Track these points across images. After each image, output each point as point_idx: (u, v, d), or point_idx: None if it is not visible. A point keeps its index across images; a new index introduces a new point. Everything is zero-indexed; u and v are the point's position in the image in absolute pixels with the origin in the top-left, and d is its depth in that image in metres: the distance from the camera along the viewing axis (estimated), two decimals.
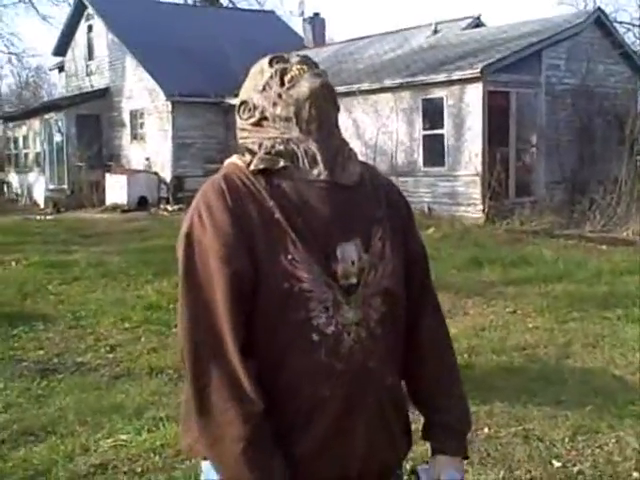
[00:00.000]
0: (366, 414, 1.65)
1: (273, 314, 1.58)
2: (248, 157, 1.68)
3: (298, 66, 1.68)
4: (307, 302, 1.58)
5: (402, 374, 1.79)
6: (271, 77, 1.69)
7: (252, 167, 1.64)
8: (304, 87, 1.64)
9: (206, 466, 1.69)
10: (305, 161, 1.64)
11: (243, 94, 1.75)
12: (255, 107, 1.70)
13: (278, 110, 1.67)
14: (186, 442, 1.74)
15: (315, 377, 1.59)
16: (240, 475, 1.53)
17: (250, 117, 1.71)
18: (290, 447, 1.60)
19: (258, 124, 1.70)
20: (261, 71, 1.72)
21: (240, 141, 1.75)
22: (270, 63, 1.72)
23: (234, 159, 1.73)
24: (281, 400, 1.60)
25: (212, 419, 1.55)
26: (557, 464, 3.99)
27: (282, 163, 1.63)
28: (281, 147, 1.65)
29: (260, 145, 1.67)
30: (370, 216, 1.67)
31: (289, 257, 1.56)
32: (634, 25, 40.94)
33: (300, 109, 1.64)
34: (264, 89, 1.69)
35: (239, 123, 1.75)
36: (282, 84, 1.67)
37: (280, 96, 1.66)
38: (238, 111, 1.75)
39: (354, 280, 1.62)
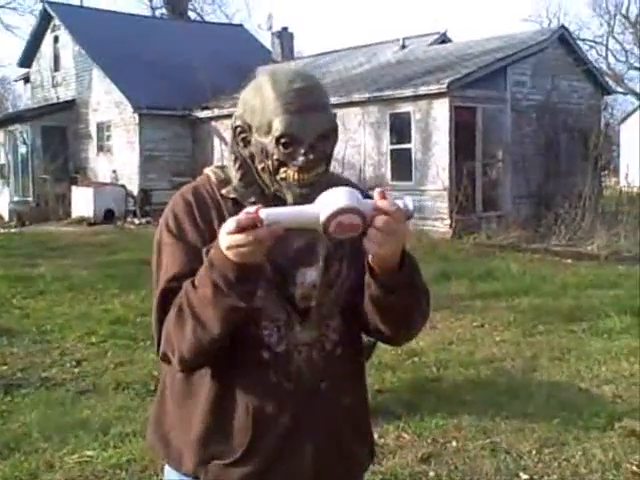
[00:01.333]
0: (315, 435, 1.65)
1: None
2: (222, 175, 1.70)
3: (297, 172, 1.58)
4: (259, 320, 1.60)
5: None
6: (271, 138, 1.58)
7: (224, 192, 1.67)
8: (287, 193, 1.59)
9: (167, 468, 1.75)
10: (273, 199, 1.62)
11: (242, 107, 1.65)
12: (245, 130, 1.64)
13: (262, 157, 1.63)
14: (150, 442, 1.80)
15: (263, 395, 1.62)
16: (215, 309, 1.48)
17: (241, 132, 1.65)
18: (238, 464, 1.62)
19: (245, 142, 1.65)
20: (263, 96, 1.60)
21: (228, 145, 1.74)
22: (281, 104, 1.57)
23: (209, 171, 1.74)
24: (230, 415, 1.62)
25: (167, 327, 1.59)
26: (524, 476, 4.02)
27: (251, 199, 1.63)
28: (255, 179, 1.65)
29: (239, 166, 1.66)
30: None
31: None
32: (597, 43, 41.72)
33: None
34: (260, 130, 1.60)
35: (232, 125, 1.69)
36: (276, 167, 1.59)
37: (268, 156, 1.60)
38: (234, 118, 1.67)
39: (313, 303, 1.64)
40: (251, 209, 1.38)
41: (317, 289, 1.64)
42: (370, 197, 1.50)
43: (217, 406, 1.63)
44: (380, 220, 1.39)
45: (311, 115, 1.56)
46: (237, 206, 1.62)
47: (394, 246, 1.44)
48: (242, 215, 1.37)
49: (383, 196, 1.41)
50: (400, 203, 1.42)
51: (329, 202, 1.39)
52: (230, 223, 1.37)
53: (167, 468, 1.76)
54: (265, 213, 1.38)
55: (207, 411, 1.64)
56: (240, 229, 1.36)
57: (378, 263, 1.49)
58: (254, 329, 1.60)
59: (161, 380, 1.83)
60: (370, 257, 1.48)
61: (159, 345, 1.63)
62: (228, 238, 1.38)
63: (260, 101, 1.59)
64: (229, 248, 1.39)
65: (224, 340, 1.53)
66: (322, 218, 1.39)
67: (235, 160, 1.68)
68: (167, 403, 1.75)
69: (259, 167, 1.62)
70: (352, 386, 1.73)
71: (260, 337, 1.61)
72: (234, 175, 1.68)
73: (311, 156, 1.56)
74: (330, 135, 1.61)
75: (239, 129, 1.64)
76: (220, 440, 1.63)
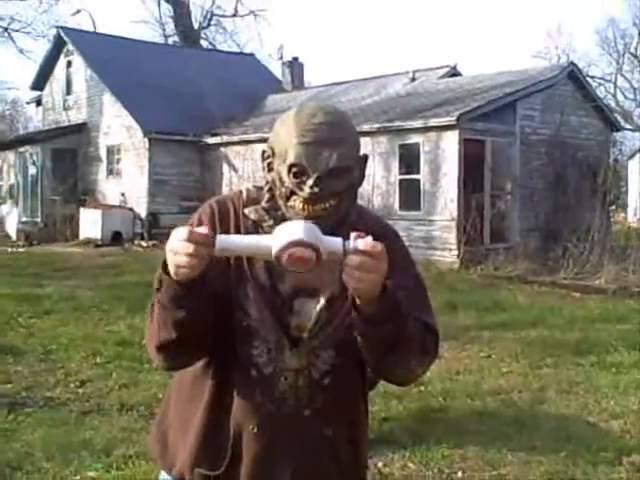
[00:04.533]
0: (292, 461, 1.67)
1: (227, 341, 1.66)
2: (255, 195, 1.75)
3: (302, 203, 1.62)
4: (252, 339, 1.66)
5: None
6: (285, 166, 1.63)
7: (246, 211, 1.72)
8: (282, 233, 1.58)
9: (162, 476, 1.81)
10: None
11: (272, 135, 1.70)
12: (270, 156, 1.70)
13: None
14: (150, 442, 1.89)
15: (245, 413, 1.65)
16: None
17: (267, 158, 1.71)
18: (223, 477, 1.67)
19: (269, 167, 1.71)
20: (287, 126, 1.65)
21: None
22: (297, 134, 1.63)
23: (244, 188, 1.81)
24: (220, 428, 1.67)
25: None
26: None
27: (270, 222, 1.68)
28: (275, 204, 1.69)
29: (268, 189, 1.70)
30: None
31: (245, 291, 1.65)
32: (606, 80, 41.99)
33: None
34: (280, 157, 1.65)
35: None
36: (287, 195, 1.64)
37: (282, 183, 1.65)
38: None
39: (305, 334, 1.66)
40: (205, 231, 1.44)
41: (312, 322, 1.66)
42: None
43: (212, 416, 1.69)
44: (355, 259, 1.42)
45: (324, 149, 1.59)
46: (255, 227, 1.69)
47: (372, 283, 1.46)
48: (199, 229, 1.44)
49: (359, 237, 1.44)
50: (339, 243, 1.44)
51: (283, 234, 1.42)
52: (184, 231, 1.42)
53: (161, 474, 1.81)
54: (219, 238, 1.44)
55: (204, 419, 1.69)
56: (189, 239, 1.41)
57: (357, 295, 1.51)
58: (247, 347, 1.66)
59: (169, 387, 1.90)
60: (350, 289, 1.50)
61: None
62: (175, 242, 1.44)
63: (283, 130, 1.65)
64: (171, 250, 1.45)
65: (186, 342, 1.59)
66: (274, 249, 1.42)
67: (267, 183, 1.71)
68: (170, 407, 1.82)
69: (277, 193, 1.66)
70: (338, 417, 1.72)
71: (250, 356, 1.66)
72: (264, 197, 1.72)
73: (316, 189, 1.59)
74: (343, 172, 1.62)
75: (265, 154, 1.71)
76: (211, 450, 1.68)
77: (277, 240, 1.42)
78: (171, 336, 1.57)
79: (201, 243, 1.42)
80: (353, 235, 1.45)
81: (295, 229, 1.43)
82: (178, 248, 1.43)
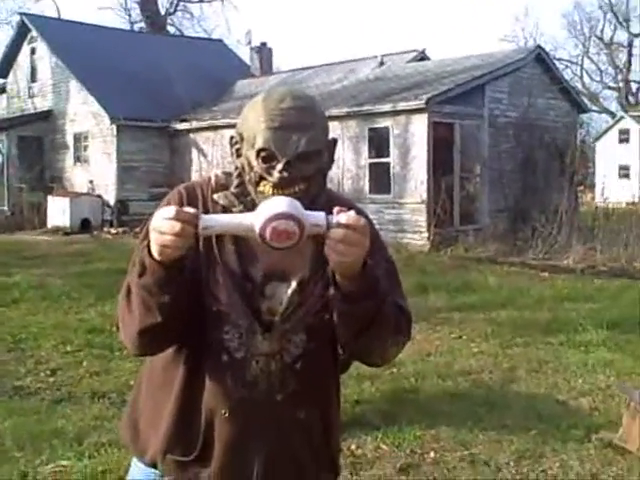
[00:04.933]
0: (265, 445, 1.68)
1: (196, 327, 1.65)
2: (223, 181, 1.74)
3: (272, 188, 1.61)
4: (222, 324, 1.65)
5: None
6: (253, 151, 1.62)
7: (215, 197, 1.71)
8: (265, 208, 1.55)
9: (133, 461, 1.82)
10: None
11: (240, 119, 1.69)
12: (238, 142, 1.69)
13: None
14: (121, 429, 1.88)
15: (217, 398, 1.66)
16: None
17: (235, 144, 1.71)
18: (191, 464, 1.68)
19: (238, 153, 1.70)
20: (255, 111, 1.64)
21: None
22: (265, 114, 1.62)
23: (213, 174, 1.79)
24: (192, 413, 1.67)
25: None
26: None
27: (239, 208, 1.67)
28: (244, 190, 1.68)
29: (237, 175, 1.70)
30: (316, 256, 1.64)
31: (215, 276, 1.65)
32: (572, 62, 42.33)
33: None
34: (248, 143, 1.64)
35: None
36: (257, 180, 1.63)
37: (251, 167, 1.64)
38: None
39: (277, 318, 1.67)
40: (191, 210, 1.44)
41: (284, 306, 1.66)
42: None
43: (184, 402, 1.69)
44: (338, 232, 1.43)
45: (292, 134, 1.59)
46: (224, 213, 1.67)
47: (354, 256, 1.47)
48: (184, 209, 1.44)
49: (341, 211, 1.46)
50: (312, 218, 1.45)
51: (266, 208, 1.43)
52: (171, 209, 1.42)
53: (133, 460, 1.82)
54: (203, 217, 1.44)
55: (176, 405, 1.69)
56: (176, 218, 1.41)
57: (339, 270, 1.51)
58: (217, 332, 1.65)
59: (139, 373, 1.89)
60: (331, 264, 1.50)
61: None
62: (160, 221, 1.44)
63: (252, 115, 1.64)
64: (155, 229, 1.45)
65: (169, 327, 1.59)
66: (258, 223, 1.42)
67: (236, 169, 1.71)
68: (141, 393, 1.81)
69: (246, 178, 1.66)
70: (311, 401, 1.72)
71: (221, 340, 1.65)
72: (233, 183, 1.71)
73: (285, 174, 1.59)
74: (312, 156, 1.62)
75: (234, 140, 1.71)
76: (183, 435, 1.68)
77: (261, 214, 1.42)
78: (156, 320, 1.56)
79: (187, 222, 1.42)
80: (336, 209, 1.46)
81: (278, 203, 1.44)
82: (163, 227, 1.43)
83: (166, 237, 1.43)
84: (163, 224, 1.43)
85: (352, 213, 1.45)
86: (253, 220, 1.43)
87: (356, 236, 1.44)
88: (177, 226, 1.41)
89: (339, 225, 1.43)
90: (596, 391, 5.71)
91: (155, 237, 1.45)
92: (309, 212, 1.44)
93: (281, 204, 1.43)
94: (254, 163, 1.61)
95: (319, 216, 1.44)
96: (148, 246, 1.50)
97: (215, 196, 1.71)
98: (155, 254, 1.48)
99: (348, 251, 1.44)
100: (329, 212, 1.47)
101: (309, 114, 1.62)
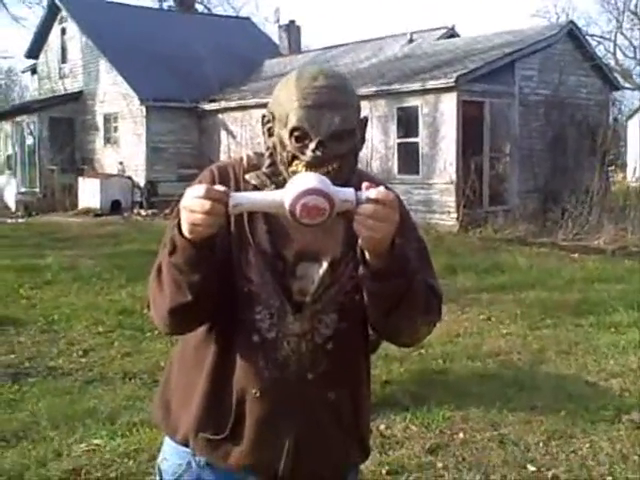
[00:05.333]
0: (295, 425, 1.69)
1: (228, 308, 1.67)
2: (255, 161, 1.75)
3: (305, 167, 1.60)
4: (254, 304, 1.66)
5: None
6: (286, 130, 1.62)
7: (247, 177, 1.72)
8: (295, 184, 1.54)
9: (165, 440, 1.84)
10: None
11: (272, 99, 1.69)
12: (270, 121, 1.69)
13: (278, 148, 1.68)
14: (153, 409, 1.91)
15: (248, 378, 1.67)
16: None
17: (267, 123, 1.70)
18: (223, 443, 1.69)
19: (270, 132, 1.70)
20: (288, 89, 1.64)
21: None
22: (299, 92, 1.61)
23: (244, 154, 1.80)
24: (224, 392, 1.69)
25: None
26: (532, 468, 4.02)
27: (271, 187, 1.67)
28: (275, 169, 1.69)
29: (269, 154, 1.70)
30: (348, 236, 1.64)
31: (247, 257, 1.65)
32: (605, 38, 41.60)
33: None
34: (281, 122, 1.64)
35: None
36: (289, 159, 1.63)
37: (283, 146, 1.64)
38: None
39: (308, 298, 1.67)
40: (222, 188, 1.45)
41: (316, 286, 1.66)
42: None
43: (215, 382, 1.70)
44: (368, 207, 1.43)
45: (326, 113, 1.58)
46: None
47: (384, 232, 1.46)
48: (215, 187, 1.44)
49: (370, 186, 1.46)
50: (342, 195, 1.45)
51: (297, 184, 1.43)
52: (201, 187, 1.43)
53: (165, 439, 1.84)
54: (233, 195, 1.45)
55: (207, 384, 1.71)
56: (207, 196, 1.42)
57: (368, 247, 1.50)
58: (249, 312, 1.66)
59: (171, 353, 1.92)
60: (360, 241, 1.50)
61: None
62: (191, 200, 1.44)
63: (284, 94, 1.63)
64: (186, 208, 1.45)
65: (200, 305, 1.59)
66: (288, 200, 1.42)
67: (267, 149, 1.71)
68: (173, 373, 1.83)
69: (278, 158, 1.66)
70: (341, 381, 1.73)
71: (253, 321, 1.66)
72: (264, 163, 1.71)
73: (318, 153, 1.58)
74: (345, 136, 1.61)
75: (265, 119, 1.70)
76: (214, 414, 1.70)
77: (291, 191, 1.43)
78: (186, 299, 1.56)
79: (218, 200, 1.42)
80: (365, 184, 1.46)
81: (308, 179, 1.44)
82: (194, 206, 1.43)
83: (197, 215, 1.43)
84: (193, 202, 1.43)
85: (381, 188, 1.45)
86: (283, 196, 1.43)
87: (386, 211, 1.44)
88: (207, 204, 1.42)
89: (368, 200, 1.43)
90: (627, 372, 5.67)
91: (186, 215, 1.46)
92: (338, 188, 1.45)
93: (311, 180, 1.43)
94: (287, 142, 1.61)
95: (348, 192, 1.45)
96: (179, 225, 1.50)
97: (247, 176, 1.72)
98: (186, 233, 1.48)
99: (377, 226, 1.44)
100: (359, 189, 1.48)
101: (342, 93, 1.62)
